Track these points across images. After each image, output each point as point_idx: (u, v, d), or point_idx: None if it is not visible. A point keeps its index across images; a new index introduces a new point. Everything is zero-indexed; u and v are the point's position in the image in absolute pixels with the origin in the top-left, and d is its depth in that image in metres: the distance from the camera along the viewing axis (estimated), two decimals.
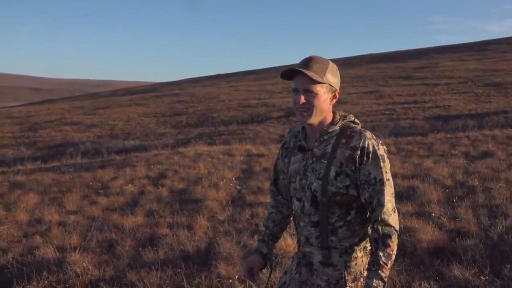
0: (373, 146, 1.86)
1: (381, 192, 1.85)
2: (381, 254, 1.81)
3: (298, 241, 2.07)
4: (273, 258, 2.28)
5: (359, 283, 1.92)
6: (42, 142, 21.37)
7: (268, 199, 6.27)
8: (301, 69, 1.83)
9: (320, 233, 1.92)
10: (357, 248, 1.94)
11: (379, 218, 1.83)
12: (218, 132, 19.22)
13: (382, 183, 1.85)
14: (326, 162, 1.88)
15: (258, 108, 25.26)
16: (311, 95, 1.85)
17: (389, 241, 1.82)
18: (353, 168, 1.85)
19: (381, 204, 1.84)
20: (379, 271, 1.79)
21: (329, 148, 1.89)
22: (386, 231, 1.82)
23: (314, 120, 1.89)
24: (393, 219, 1.86)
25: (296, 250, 2.13)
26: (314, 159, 1.92)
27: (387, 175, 1.88)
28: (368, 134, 1.88)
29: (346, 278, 1.92)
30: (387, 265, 1.80)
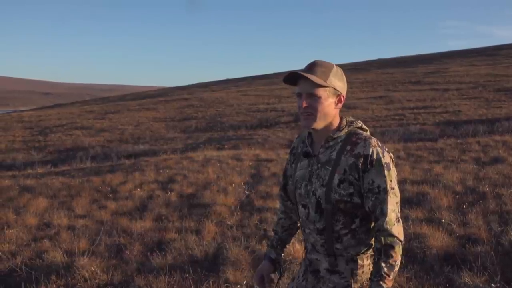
0: (378, 154, 1.81)
1: (384, 201, 1.80)
2: (383, 265, 1.78)
3: (305, 248, 2.06)
4: (282, 264, 2.25)
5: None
6: (52, 146, 21.54)
7: (276, 204, 6.27)
8: (303, 73, 1.81)
9: (326, 241, 1.90)
10: (364, 256, 1.91)
11: (382, 228, 1.79)
12: (227, 137, 19.25)
13: (385, 192, 1.80)
14: (330, 169, 1.85)
15: (267, 113, 25.29)
16: (314, 99, 1.82)
17: (391, 252, 1.78)
18: (357, 176, 1.81)
19: (384, 214, 1.79)
20: (381, 282, 1.76)
21: (334, 155, 1.86)
22: (389, 241, 1.78)
23: (319, 124, 1.85)
24: (396, 229, 1.80)
25: (303, 256, 2.12)
26: (319, 165, 1.89)
27: (392, 184, 1.82)
28: (374, 141, 1.84)
29: (353, 286, 1.89)
30: (389, 276, 1.77)
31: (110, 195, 7.93)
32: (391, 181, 1.82)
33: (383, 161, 1.81)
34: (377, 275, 1.78)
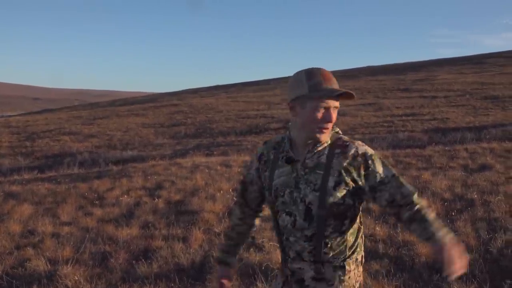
0: (370, 150, 1.88)
1: (399, 185, 1.84)
2: (432, 217, 1.80)
3: (285, 258, 1.97)
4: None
5: None
6: (39, 151, 21.32)
7: (266, 211, 6.20)
8: (351, 92, 1.81)
9: (315, 247, 1.86)
10: (350, 261, 1.90)
11: (413, 202, 1.82)
12: (217, 143, 19.20)
13: (395, 177, 1.85)
14: (322, 172, 1.83)
15: (257, 120, 25.28)
16: (336, 112, 1.84)
17: (429, 210, 1.83)
18: (356, 174, 1.82)
19: (407, 194, 1.83)
20: (441, 229, 1.77)
21: (323, 159, 1.84)
22: (423, 205, 1.83)
23: (328, 135, 1.87)
24: (421, 199, 1.86)
25: (280, 267, 2.05)
26: (306, 170, 1.85)
27: (393, 169, 1.88)
28: (359, 141, 1.90)
29: None
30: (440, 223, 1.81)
31: (97, 202, 7.83)
32: (392, 167, 1.88)
33: (376, 155, 1.88)
34: (434, 224, 1.78)
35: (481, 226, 5.28)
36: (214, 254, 4.61)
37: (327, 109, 1.80)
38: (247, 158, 12.72)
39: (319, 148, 1.86)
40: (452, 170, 9.16)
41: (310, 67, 1.88)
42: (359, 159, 1.82)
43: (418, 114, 22.17)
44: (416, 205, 1.81)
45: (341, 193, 1.82)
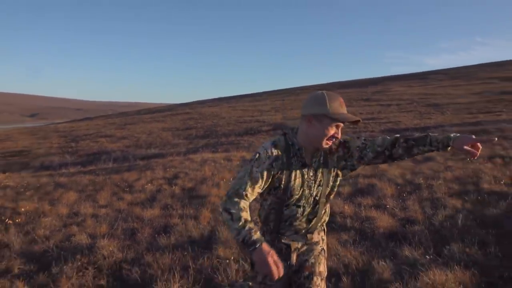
0: (344, 138, 1.93)
1: (373, 141, 1.89)
2: (418, 135, 1.83)
3: (278, 236, 1.95)
4: None
5: (327, 248, 2.08)
6: (82, 151, 21.15)
7: None
8: (360, 119, 1.85)
9: (313, 225, 1.95)
10: (325, 224, 2.06)
11: (393, 140, 1.85)
12: (220, 142, 19.12)
13: (367, 139, 1.91)
14: (322, 170, 1.89)
15: (252, 124, 25.21)
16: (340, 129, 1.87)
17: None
18: (344, 162, 1.90)
19: (382, 140, 1.87)
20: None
21: (321, 160, 1.90)
22: (400, 135, 1.90)
23: None
24: None
25: (270, 245, 1.99)
26: (313, 171, 1.89)
27: (362, 136, 1.96)
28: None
29: (324, 248, 2.04)
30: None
31: (127, 189, 7.77)
32: (357, 138, 1.95)
33: (349, 137, 1.95)
34: (442, 137, 1.76)
35: (426, 204, 5.29)
36: (219, 229, 4.58)
37: (338, 128, 1.83)
38: (244, 153, 12.68)
39: (319, 153, 1.91)
40: (404, 161, 9.17)
41: (325, 91, 1.87)
42: (339, 149, 1.90)
43: (376, 118, 22.18)
44: (398, 138, 1.84)
45: (336, 183, 1.93)
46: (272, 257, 1.62)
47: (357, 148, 1.87)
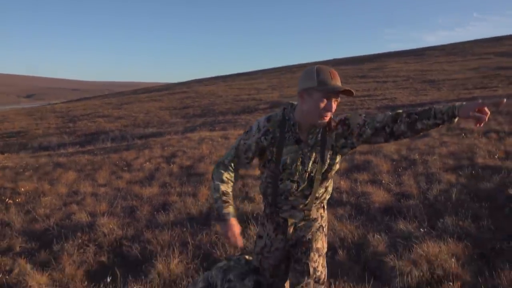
0: (344, 115, 1.88)
1: (373, 117, 1.81)
2: (421, 108, 1.71)
3: (276, 210, 1.97)
4: None
5: (327, 226, 2.04)
6: (79, 131, 21.07)
7: (257, 172, 6.22)
8: (351, 89, 1.76)
9: (309, 201, 1.92)
10: (325, 202, 2.00)
11: (394, 115, 1.75)
12: (218, 121, 19.06)
13: (367, 116, 1.84)
14: (319, 148, 1.84)
15: (249, 102, 25.10)
16: (336, 104, 1.80)
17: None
18: (343, 140, 1.83)
19: (384, 116, 1.77)
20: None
21: (319, 137, 1.84)
22: (401, 110, 1.79)
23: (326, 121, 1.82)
24: None
25: (270, 217, 2.02)
26: (309, 148, 1.84)
27: (363, 113, 1.88)
28: (340, 116, 1.91)
29: (323, 225, 2.00)
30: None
31: (126, 168, 7.78)
32: (358, 115, 1.87)
33: (350, 113, 1.89)
34: (447, 107, 1.63)
35: (421, 179, 5.32)
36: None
37: (329, 101, 1.76)
38: (241, 132, 12.65)
39: (316, 130, 1.86)
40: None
41: (319, 65, 1.82)
42: (339, 127, 1.84)
43: (373, 95, 22.10)
44: (400, 113, 1.74)
45: (333, 161, 1.87)
46: (233, 232, 1.80)
47: (358, 125, 1.79)
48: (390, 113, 1.76)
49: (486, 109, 1.55)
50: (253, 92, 31.83)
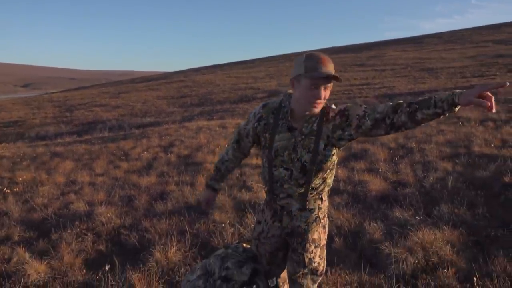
0: (344, 105, 1.82)
1: (374, 108, 1.71)
2: (421, 98, 1.61)
3: (273, 197, 1.97)
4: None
5: (326, 218, 1.99)
6: (77, 120, 21.00)
7: (253, 161, 6.23)
8: (336, 74, 1.70)
9: (305, 191, 1.88)
10: (324, 193, 1.95)
11: (395, 106, 1.65)
12: (215, 110, 19.00)
13: (368, 107, 1.75)
14: (314, 137, 1.80)
15: (246, 91, 25.00)
16: (328, 91, 1.75)
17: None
18: (340, 131, 1.77)
19: (385, 106, 1.68)
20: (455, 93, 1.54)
21: (315, 126, 1.80)
22: (401, 100, 1.69)
23: (319, 109, 1.78)
24: None
25: (268, 204, 2.04)
26: (303, 136, 1.82)
27: (363, 105, 1.78)
28: (339, 105, 1.84)
29: (320, 216, 1.95)
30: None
31: (123, 158, 7.78)
32: (359, 106, 1.79)
33: (350, 104, 1.81)
34: (447, 95, 1.55)
35: (417, 167, 5.34)
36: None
37: (317, 88, 1.72)
38: (239, 121, 12.64)
39: (313, 119, 1.82)
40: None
41: (311, 52, 1.79)
42: (337, 117, 1.78)
43: (371, 84, 22.04)
44: (401, 103, 1.65)
45: (328, 151, 1.81)
46: (206, 201, 2.18)
47: (357, 116, 1.73)
48: (391, 104, 1.69)
49: (489, 94, 1.48)
50: (251, 81, 31.70)
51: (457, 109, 1.54)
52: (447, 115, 1.57)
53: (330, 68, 1.72)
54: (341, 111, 1.79)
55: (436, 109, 1.56)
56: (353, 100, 16.76)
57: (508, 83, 1.50)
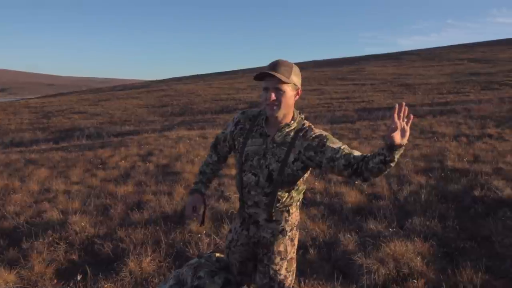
0: (324, 132, 1.85)
1: (349, 152, 1.76)
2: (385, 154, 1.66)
3: (243, 204, 2.01)
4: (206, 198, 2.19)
5: (294, 231, 1.99)
6: (54, 127, 20.57)
7: (231, 171, 6.24)
8: (272, 72, 1.75)
9: (270, 201, 1.90)
10: (293, 206, 1.97)
11: (361, 156, 1.74)
12: (196, 120, 18.95)
13: (343, 149, 1.78)
14: (286, 149, 1.83)
15: (228, 102, 25.06)
16: (279, 93, 1.79)
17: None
18: (313, 153, 1.79)
19: (356, 155, 1.74)
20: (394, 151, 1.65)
21: (288, 138, 1.84)
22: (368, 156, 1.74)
23: (281, 113, 1.82)
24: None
25: (238, 211, 2.08)
26: (274, 145, 1.85)
27: (340, 142, 1.82)
28: (315, 128, 1.88)
29: (286, 229, 1.96)
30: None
31: (100, 166, 7.67)
32: (337, 141, 1.83)
33: (327, 135, 1.84)
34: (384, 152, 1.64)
35: (393, 180, 5.45)
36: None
37: (267, 90, 1.79)
38: (220, 131, 12.62)
39: (287, 129, 1.86)
40: (374, 139, 9.38)
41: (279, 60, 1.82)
42: (316, 139, 1.81)
43: (351, 97, 22.43)
44: (365, 155, 1.72)
45: (297, 167, 1.84)
46: (191, 206, 2.05)
47: (332, 149, 1.76)
48: (363, 154, 1.76)
49: (396, 122, 1.63)
50: (233, 91, 31.79)
51: (397, 152, 1.63)
52: (391, 160, 1.64)
53: (275, 69, 1.76)
54: (321, 136, 1.81)
55: (379, 156, 1.65)
56: (332, 113, 17.00)
57: (397, 104, 1.68)
